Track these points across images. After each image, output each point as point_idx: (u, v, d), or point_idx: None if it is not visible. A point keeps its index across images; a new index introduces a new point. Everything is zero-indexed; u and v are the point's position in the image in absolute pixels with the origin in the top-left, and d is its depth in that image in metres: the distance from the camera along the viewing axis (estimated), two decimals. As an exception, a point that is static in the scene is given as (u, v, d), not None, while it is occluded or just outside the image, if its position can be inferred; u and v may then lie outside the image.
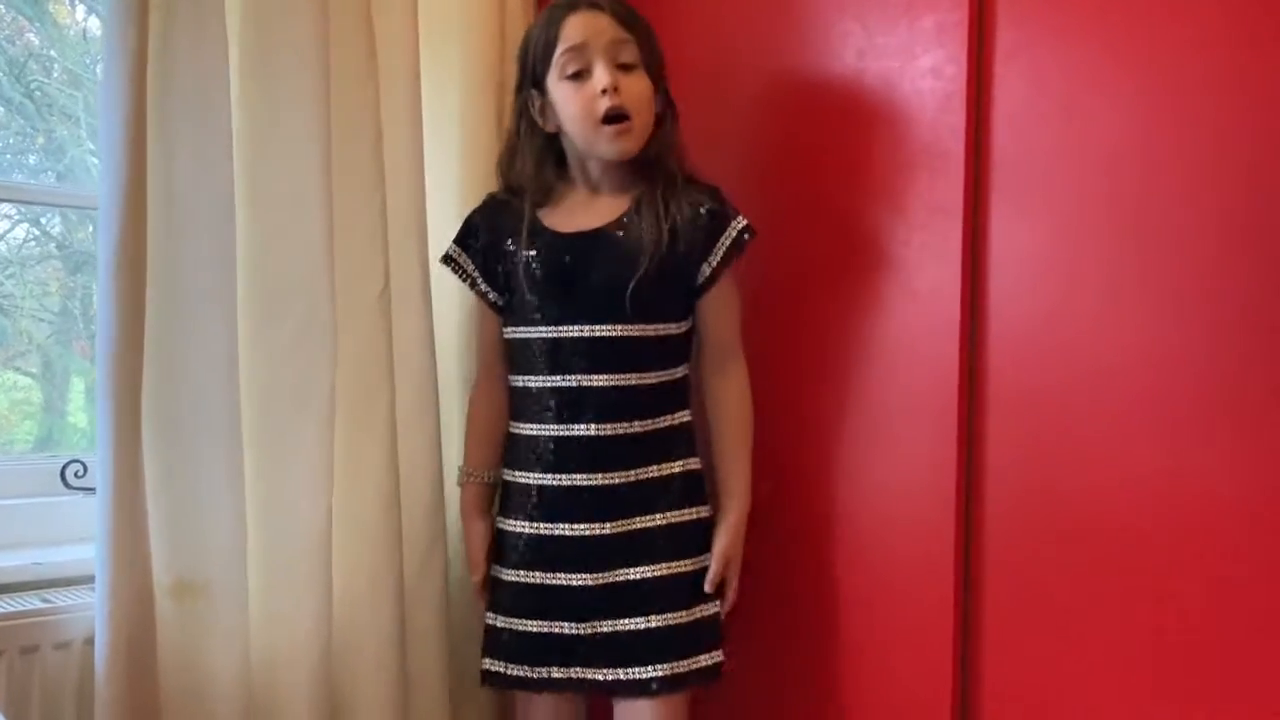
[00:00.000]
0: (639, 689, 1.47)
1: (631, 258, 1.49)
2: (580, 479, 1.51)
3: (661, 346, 1.53)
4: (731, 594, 1.54)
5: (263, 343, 1.54)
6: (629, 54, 1.49)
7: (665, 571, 1.50)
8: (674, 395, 1.55)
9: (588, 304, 1.50)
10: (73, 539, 1.66)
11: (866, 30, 1.50)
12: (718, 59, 1.70)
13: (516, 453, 1.57)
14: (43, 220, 1.97)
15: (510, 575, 1.55)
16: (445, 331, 1.77)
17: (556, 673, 1.51)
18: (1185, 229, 1.22)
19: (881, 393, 1.49)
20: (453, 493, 1.70)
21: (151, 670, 1.44)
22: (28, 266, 1.94)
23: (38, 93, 1.92)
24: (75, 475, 1.72)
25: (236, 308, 1.51)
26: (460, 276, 1.61)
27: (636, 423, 1.51)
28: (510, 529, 1.56)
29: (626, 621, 1.49)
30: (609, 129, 1.48)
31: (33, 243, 1.98)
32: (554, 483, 1.52)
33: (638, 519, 1.51)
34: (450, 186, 1.78)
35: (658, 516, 1.52)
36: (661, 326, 1.52)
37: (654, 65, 1.52)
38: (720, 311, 1.56)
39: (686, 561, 1.52)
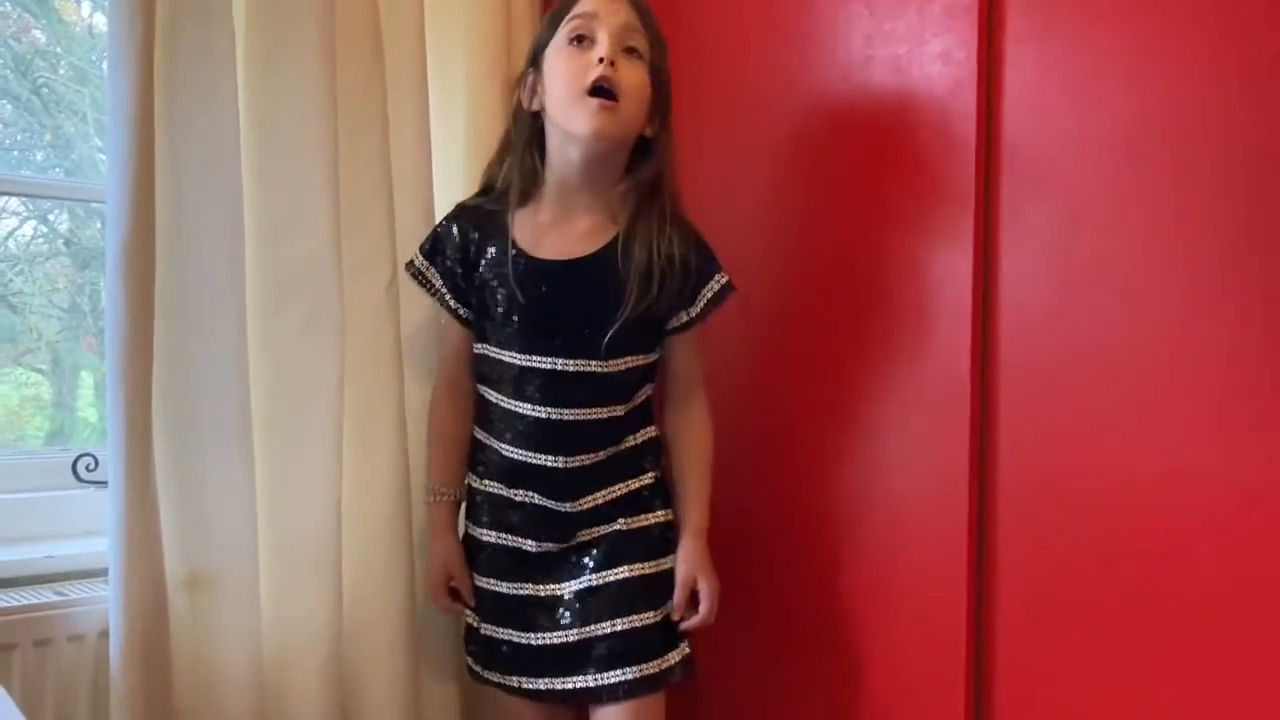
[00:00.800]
0: (607, 694, 1.45)
1: (611, 298, 1.45)
2: (549, 503, 1.50)
3: (632, 377, 1.52)
4: (708, 604, 1.50)
5: (271, 335, 1.54)
6: (638, 43, 1.45)
7: (631, 573, 1.49)
8: (641, 416, 1.56)
9: (563, 338, 1.47)
10: (85, 532, 1.66)
11: (875, 15, 1.49)
12: (723, 46, 1.69)
13: (483, 461, 1.56)
14: (51, 217, 1.97)
15: (480, 582, 1.55)
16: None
17: (527, 683, 1.50)
18: (1199, 214, 1.21)
19: (893, 378, 1.48)
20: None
21: (165, 662, 1.44)
22: (36, 263, 1.94)
23: (44, 89, 1.92)
24: (87, 469, 1.72)
25: (245, 301, 1.51)
26: (427, 290, 1.56)
27: (603, 451, 1.51)
28: (479, 536, 1.55)
29: (597, 626, 1.47)
30: (593, 101, 1.40)
31: (41, 240, 1.98)
32: (522, 499, 1.51)
33: (600, 528, 1.51)
34: (457, 177, 1.78)
35: (624, 521, 1.51)
36: (633, 359, 1.50)
37: (658, 72, 1.47)
38: (689, 350, 1.56)
39: (649, 564, 1.50)
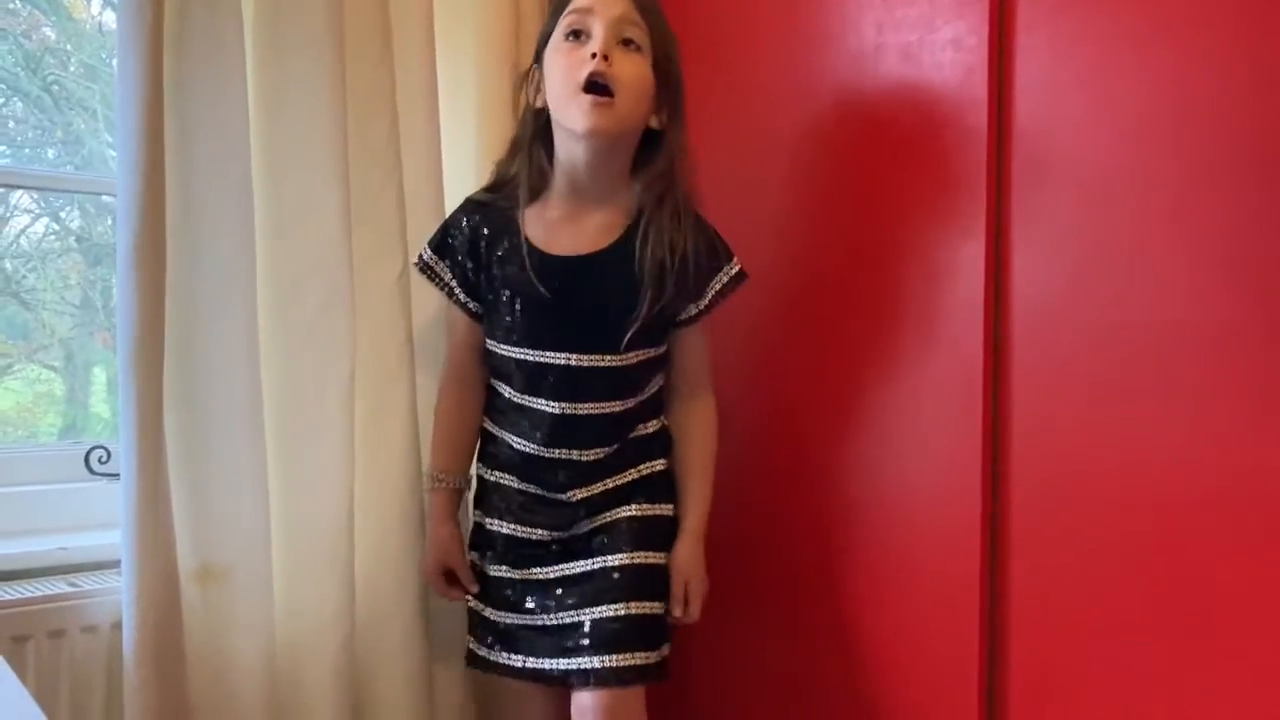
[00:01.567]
0: (610, 676, 1.43)
1: (625, 292, 1.45)
2: (560, 495, 1.50)
3: (643, 370, 1.51)
4: (695, 604, 1.50)
5: (282, 327, 1.55)
6: (636, 35, 1.42)
7: (639, 561, 1.48)
8: (651, 408, 1.55)
9: (575, 334, 1.46)
10: (98, 524, 1.67)
11: (885, 3, 1.49)
12: (733, 36, 1.69)
13: (494, 453, 1.56)
14: (62, 214, 1.97)
15: (493, 571, 1.54)
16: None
17: (531, 662, 1.49)
18: (1211, 201, 1.20)
19: (906, 368, 1.48)
20: (474, 473, 1.70)
21: (178, 653, 1.45)
22: (48, 260, 1.95)
23: (55, 86, 1.92)
24: (99, 461, 1.72)
25: (256, 292, 1.51)
26: (436, 284, 1.55)
27: (616, 444, 1.51)
28: (491, 527, 1.55)
29: (599, 609, 1.45)
30: (586, 98, 1.38)
31: (53, 237, 1.99)
32: (534, 490, 1.52)
33: (611, 513, 1.50)
34: (467, 167, 1.78)
35: (632, 508, 1.50)
36: (644, 353, 1.50)
37: (662, 62, 1.45)
38: (698, 345, 1.55)
39: (654, 555, 1.50)
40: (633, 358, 1.48)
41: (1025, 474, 1.37)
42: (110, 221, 1.95)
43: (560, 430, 1.48)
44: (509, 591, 1.52)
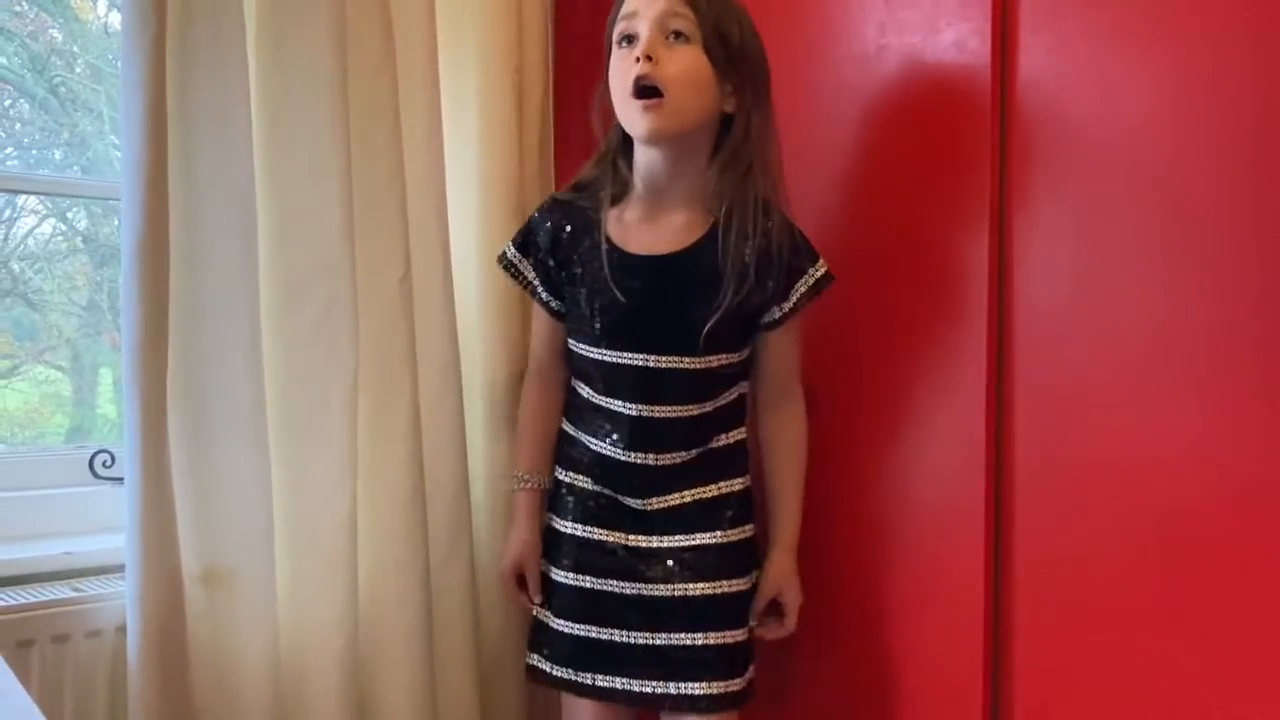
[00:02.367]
0: (689, 704, 1.45)
1: (706, 293, 1.42)
2: (634, 502, 1.49)
3: (723, 375, 1.49)
4: (791, 620, 1.51)
5: (285, 331, 1.55)
6: (682, 25, 1.37)
7: (717, 590, 1.47)
8: (731, 416, 1.53)
9: (652, 335, 1.45)
10: (102, 528, 1.67)
11: (888, 4, 1.48)
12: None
13: (571, 455, 1.54)
14: (69, 215, 1.98)
15: (561, 576, 1.52)
16: (468, 316, 1.77)
17: (601, 680, 1.48)
18: (1215, 201, 1.19)
19: (910, 368, 1.48)
20: (476, 478, 1.70)
21: (182, 657, 1.45)
22: (55, 261, 1.96)
23: (61, 88, 1.93)
24: (104, 465, 1.73)
25: (259, 297, 1.51)
26: (518, 281, 1.55)
27: (695, 450, 1.50)
28: (563, 529, 1.53)
29: (683, 636, 1.46)
30: (637, 104, 1.37)
31: (60, 238, 1.99)
32: (610, 494, 1.50)
33: (695, 535, 1.48)
34: (469, 171, 1.78)
35: (716, 534, 1.49)
36: (725, 357, 1.47)
37: (715, 44, 1.38)
38: (785, 349, 1.52)
39: (739, 580, 1.49)
40: (713, 361, 1.46)
41: (1029, 472, 1.36)
42: (116, 223, 1.95)
43: (638, 433, 1.47)
44: (581, 600, 1.50)
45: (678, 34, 1.37)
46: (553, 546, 1.55)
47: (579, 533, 1.51)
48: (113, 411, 1.99)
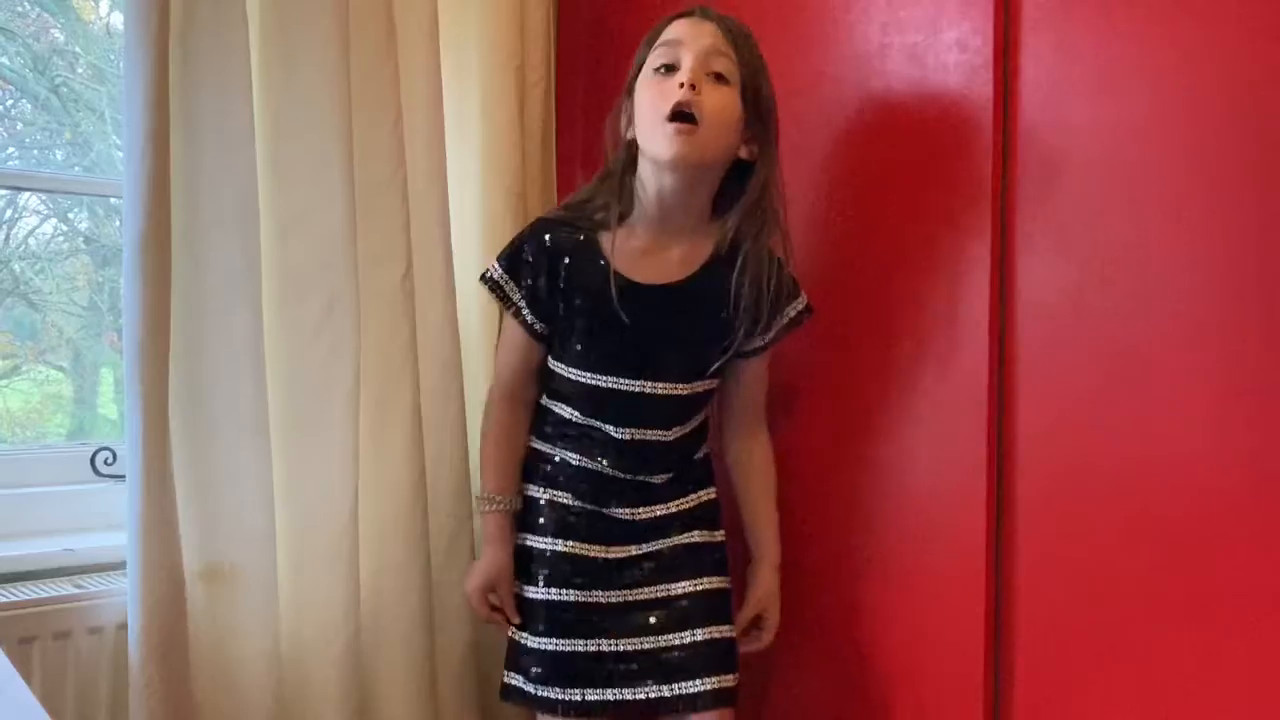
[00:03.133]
0: (687, 704, 1.45)
1: (703, 322, 1.46)
2: (622, 512, 1.50)
3: (700, 400, 1.53)
4: (768, 636, 1.54)
5: (287, 328, 1.55)
6: (724, 67, 1.40)
7: (698, 587, 1.49)
8: (700, 435, 1.57)
9: (650, 363, 1.47)
10: (103, 526, 1.67)
11: (890, 4, 1.48)
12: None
13: (546, 471, 1.54)
14: (71, 216, 1.98)
15: (537, 594, 1.50)
16: (469, 313, 1.77)
17: (591, 695, 1.46)
18: (1216, 203, 1.19)
19: (911, 370, 1.48)
20: (477, 477, 1.70)
21: (183, 654, 1.45)
22: (57, 261, 1.96)
23: (63, 88, 1.93)
24: (105, 463, 1.73)
25: (260, 294, 1.52)
26: (502, 302, 1.53)
27: (678, 468, 1.53)
28: (536, 546, 1.51)
29: (670, 636, 1.46)
30: (671, 126, 1.37)
31: (61, 238, 1.99)
32: (593, 508, 1.50)
33: (671, 539, 1.50)
34: (471, 168, 1.78)
35: (694, 534, 1.51)
36: (707, 384, 1.52)
37: (750, 92, 1.42)
38: (759, 378, 1.56)
39: (718, 579, 1.51)
40: (699, 387, 1.50)
41: (1031, 476, 1.36)
42: (118, 223, 1.95)
43: (629, 454, 1.49)
44: (562, 615, 1.48)
45: (719, 75, 1.40)
46: (527, 565, 1.52)
47: (558, 547, 1.50)
48: (113, 412, 1.98)
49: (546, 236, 1.49)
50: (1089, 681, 1.30)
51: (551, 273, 1.48)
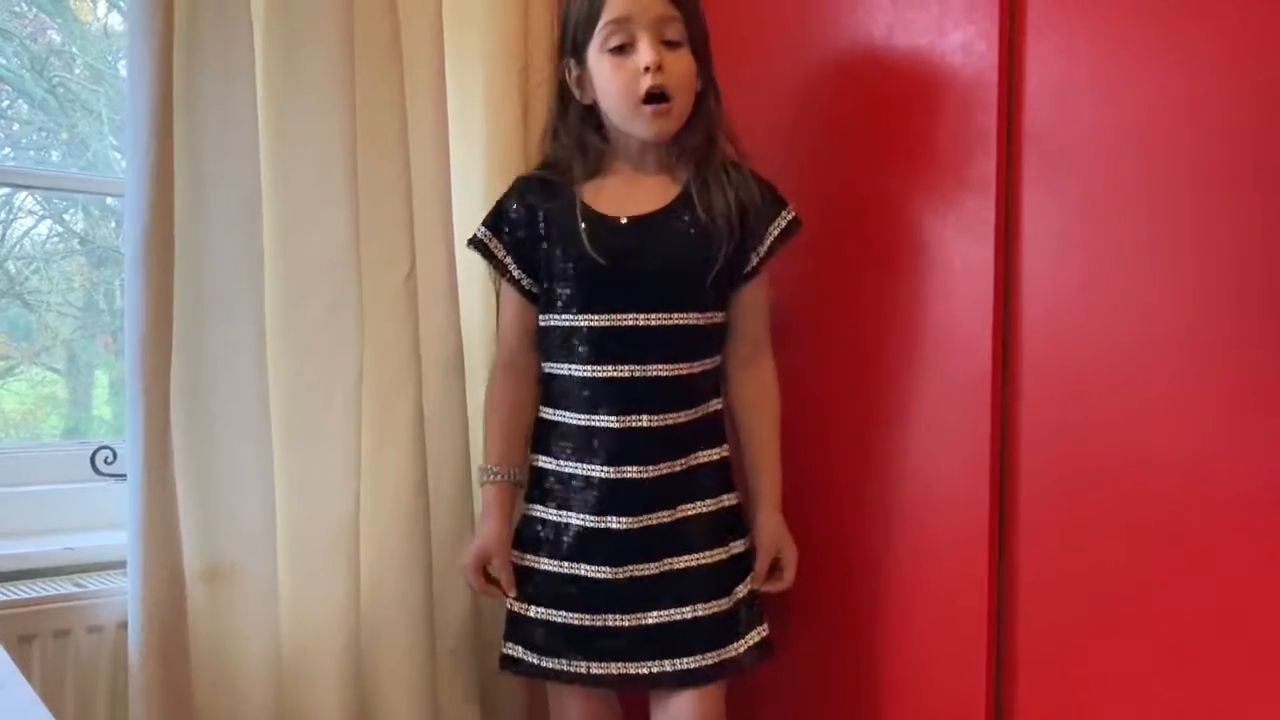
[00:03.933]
0: (686, 679, 1.45)
1: (695, 243, 1.46)
2: (631, 471, 1.47)
3: (707, 333, 1.51)
4: (789, 573, 1.53)
5: (290, 327, 1.55)
6: (674, 31, 1.44)
7: (705, 560, 1.48)
8: (713, 382, 1.54)
9: (642, 292, 1.46)
10: (103, 525, 1.66)
11: (896, 6, 1.49)
12: (743, 35, 1.69)
13: (552, 440, 1.52)
14: (66, 216, 1.97)
15: (545, 564, 1.51)
16: (472, 314, 1.77)
17: (596, 668, 1.47)
18: (1220, 205, 1.20)
19: (915, 371, 1.48)
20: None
21: (183, 654, 1.44)
22: (52, 262, 1.95)
23: (60, 89, 1.92)
24: (105, 462, 1.72)
25: (263, 294, 1.51)
26: (490, 263, 1.55)
27: (684, 412, 1.49)
28: (542, 516, 1.52)
29: (672, 612, 1.46)
30: (648, 109, 1.43)
31: (56, 239, 1.99)
32: (601, 474, 1.47)
33: (679, 508, 1.49)
34: (475, 170, 1.78)
35: (697, 504, 1.50)
36: (708, 315, 1.50)
37: (699, 42, 1.48)
38: (757, 303, 1.55)
39: (720, 550, 1.50)
40: (696, 318, 1.49)
41: (1034, 477, 1.37)
42: (114, 224, 1.95)
43: (631, 395, 1.46)
44: (570, 588, 1.49)
45: (671, 42, 1.45)
46: (534, 536, 1.53)
47: (561, 519, 1.50)
48: (108, 413, 1.97)
49: (523, 192, 1.54)
50: (1091, 684, 1.30)
51: (531, 223, 1.52)
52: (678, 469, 1.49)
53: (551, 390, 1.54)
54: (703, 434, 1.52)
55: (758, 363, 1.56)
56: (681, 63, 1.45)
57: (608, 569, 1.47)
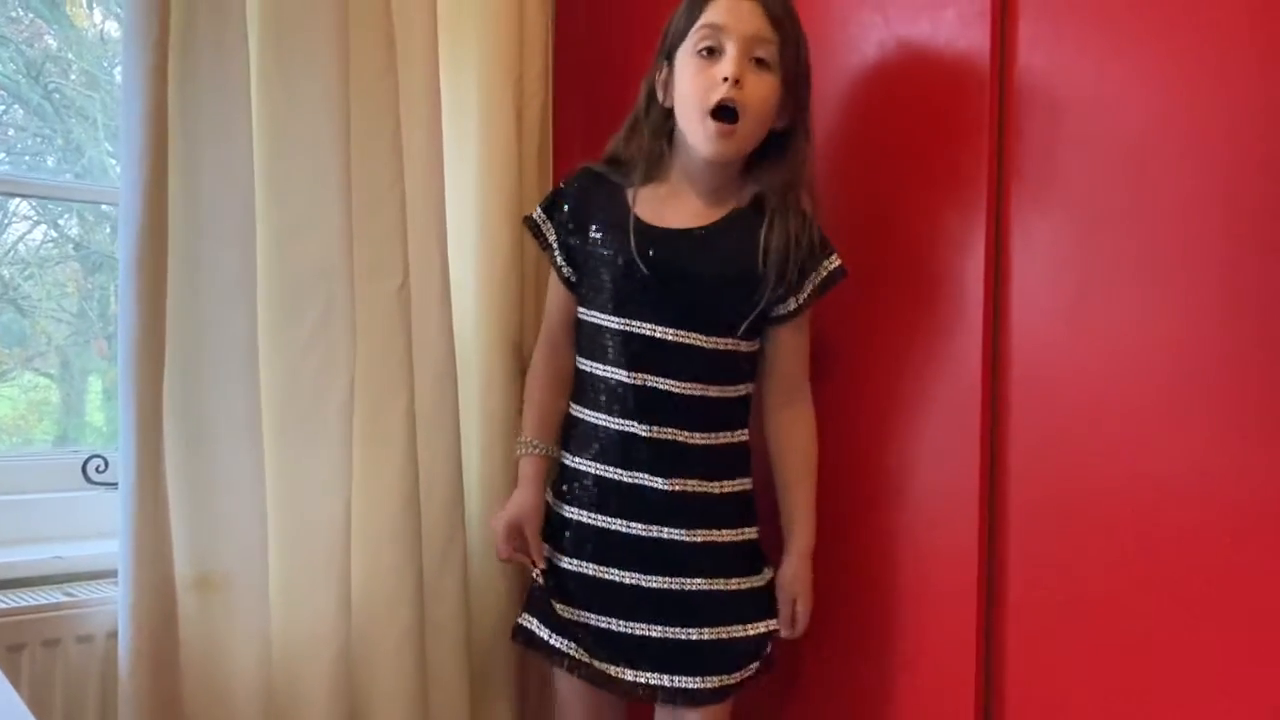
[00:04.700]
0: (687, 697, 1.46)
1: (722, 271, 1.46)
2: (640, 477, 1.48)
3: (730, 363, 1.50)
4: (802, 621, 1.52)
5: (283, 337, 1.55)
6: (767, 52, 1.43)
7: (716, 587, 1.48)
8: (735, 412, 1.52)
9: (665, 307, 1.46)
10: (94, 534, 1.66)
11: (887, 21, 1.50)
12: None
13: (575, 437, 1.54)
14: (60, 222, 1.97)
15: (564, 562, 1.53)
16: (464, 325, 1.77)
17: (616, 671, 1.49)
18: (1212, 219, 1.21)
19: (904, 385, 1.48)
20: (472, 487, 1.70)
21: (174, 663, 1.44)
22: (46, 267, 1.94)
23: (56, 94, 1.92)
24: (97, 470, 1.72)
25: (256, 303, 1.51)
26: (539, 243, 1.59)
27: (697, 434, 1.48)
28: (565, 514, 1.53)
29: (678, 630, 1.47)
30: (713, 125, 1.41)
31: (50, 244, 1.98)
32: (611, 476, 1.49)
33: (695, 531, 1.48)
34: (468, 180, 1.79)
35: (712, 532, 1.49)
36: (732, 343, 1.49)
37: (791, 71, 1.45)
38: (796, 344, 1.53)
39: (735, 580, 1.49)
40: (725, 344, 1.48)
41: (1023, 492, 1.37)
42: (109, 230, 1.95)
43: (637, 402, 1.47)
44: (575, 586, 1.51)
45: (760, 61, 1.43)
46: (557, 531, 1.55)
47: (581, 518, 1.52)
48: (100, 419, 1.97)
49: (580, 183, 1.57)
50: (1079, 697, 1.31)
51: (582, 215, 1.54)
52: (689, 488, 1.48)
53: (575, 386, 1.56)
54: (719, 462, 1.50)
55: (795, 404, 1.55)
56: (763, 86, 1.43)
57: (614, 571, 1.49)
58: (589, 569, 1.51)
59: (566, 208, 1.56)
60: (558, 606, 1.53)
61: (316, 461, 1.55)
